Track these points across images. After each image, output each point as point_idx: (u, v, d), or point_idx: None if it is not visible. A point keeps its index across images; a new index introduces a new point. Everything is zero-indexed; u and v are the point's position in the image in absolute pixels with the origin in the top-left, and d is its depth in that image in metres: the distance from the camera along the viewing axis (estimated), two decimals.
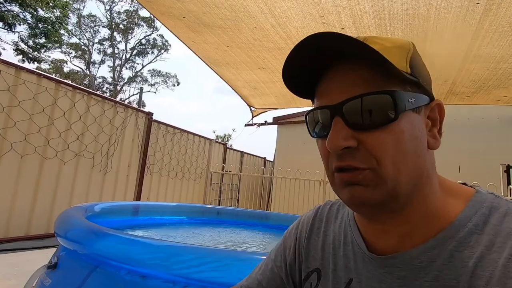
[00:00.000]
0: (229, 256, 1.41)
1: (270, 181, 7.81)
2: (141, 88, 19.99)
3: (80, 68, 21.25)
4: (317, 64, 0.41)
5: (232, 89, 4.92)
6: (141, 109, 4.70)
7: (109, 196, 4.06)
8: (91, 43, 21.34)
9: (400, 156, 0.37)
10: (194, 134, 5.82)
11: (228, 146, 7.08)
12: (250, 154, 8.18)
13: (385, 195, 0.37)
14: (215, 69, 4.36)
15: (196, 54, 3.91)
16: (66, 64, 19.97)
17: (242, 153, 7.72)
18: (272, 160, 10.61)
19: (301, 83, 0.43)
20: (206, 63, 4.18)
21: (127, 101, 21.09)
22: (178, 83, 24.07)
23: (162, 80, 23.39)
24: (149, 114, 4.69)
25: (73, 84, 3.74)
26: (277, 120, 7.44)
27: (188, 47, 3.71)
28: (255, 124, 7.21)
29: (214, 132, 22.86)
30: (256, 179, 7.35)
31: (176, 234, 2.79)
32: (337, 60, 0.40)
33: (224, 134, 21.80)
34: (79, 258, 1.62)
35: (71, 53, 20.33)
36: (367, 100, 0.37)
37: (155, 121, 4.82)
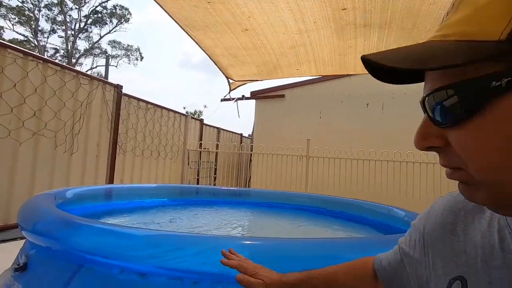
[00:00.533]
0: (248, 245, 1.21)
1: (248, 157, 7.66)
2: (108, 57, 18.10)
3: (26, 36, 18.78)
4: None
5: (210, 58, 4.52)
6: (109, 81, 4.15)
7: (77, 180, 3.62)
8: (37, 8, 18.79)
9: (492, 156, 0.29)
10: (169, 110, 5.38)
11: (204, 122, 6.72)
12: (227, 131, 7.90)
13: (495, 200, 0.31)
14: (192, 35, 3.92)
15: (171, 16, 3.45)
16: (3, 31, 17.41)
17: (218, 129, 7.41)
18: (247, 136, 10.41)
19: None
20: (182, 27, 3.73)
21: None
22: (142, 57, 22.40)
23: (124, 54, 21.56)
24: (118, 87, 4.18)
25: (23, 49, 3.12)
26: (255, 95, 7.16)
27: (162, 7, 3.24)
28: (232, 99, 6.88)
29: (184, 108, 21.82)
30: (233, 156, 7.15)
31: (168, 219, 2.53)
32: None
33: (195, 111, 20.91)
34: (56, 257, 1.32)
35: (14, 18, 17.76)
36: (439, 95, 0.32)
37: (125, 95, 4.33)
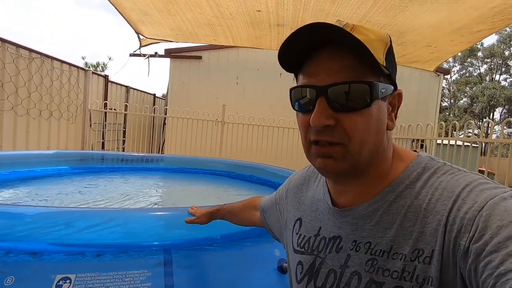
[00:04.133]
0: (133, 216, 1.25)
1: (162, 121, 7.29)
2: None
3: None
4: (310, 46, 0.47)
5: (116, 9, 3.92)
6: None
7: None
8: None
9: (366, 135, 0.46)
10: (62, 62, 4.55)
11: (110, 79, 5.96)
12: (138, 90, 7.23)
13: (349, 166, 0.48)
14: None
15: None
16: None
17: (128, 88, 6.71)
18: (160, 96, 9.77)
19: (291, 60, 0.50)
20: None
21: None
22: None
23: None
24: None
25: None
26: (169, 53, 6.66)
27: None
28: (143, 55, 6.23)
29: (83, 59, 18.43)
30: (145, 119, 6.70)
31: (76, 189, 2.28)
32: (328, 43, 0.46)
33: (98, 63, 17.91)
34: None
35: None
36: (350, 87, 0.44)
37: None
